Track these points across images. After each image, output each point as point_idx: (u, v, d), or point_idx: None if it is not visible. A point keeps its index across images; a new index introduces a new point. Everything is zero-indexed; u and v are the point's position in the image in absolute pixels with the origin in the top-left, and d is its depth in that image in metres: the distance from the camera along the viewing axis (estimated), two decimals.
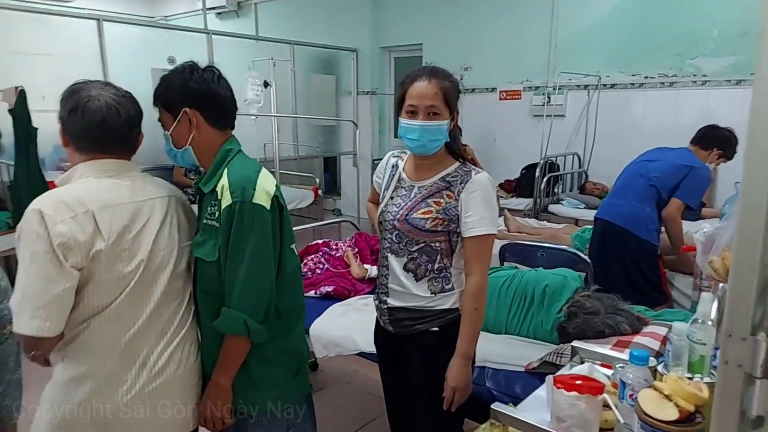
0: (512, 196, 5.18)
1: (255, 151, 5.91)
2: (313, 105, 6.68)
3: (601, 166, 5.20)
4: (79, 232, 1.17)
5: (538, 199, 4.86)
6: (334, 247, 2.76)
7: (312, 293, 2.44)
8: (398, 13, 6.57)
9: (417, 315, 1.53)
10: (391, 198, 1.58)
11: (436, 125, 1.44)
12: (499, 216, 4.25)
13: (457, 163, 1.52)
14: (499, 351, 1.93)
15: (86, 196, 1.22)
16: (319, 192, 5.85)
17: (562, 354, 1.63)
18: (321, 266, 2.59)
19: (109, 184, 1.27)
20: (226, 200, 1.26)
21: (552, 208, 4.88)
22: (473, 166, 1.52)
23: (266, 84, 3.20)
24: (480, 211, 1.44)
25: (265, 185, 1.30)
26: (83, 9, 5.37)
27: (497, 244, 3.21)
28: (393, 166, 1.64)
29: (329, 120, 6.89)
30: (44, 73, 4.36)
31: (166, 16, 8.74)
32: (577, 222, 4.67)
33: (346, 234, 3.12)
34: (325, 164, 7.33)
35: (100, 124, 1.26)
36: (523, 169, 5.30)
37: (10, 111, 3.42)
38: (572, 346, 1.58)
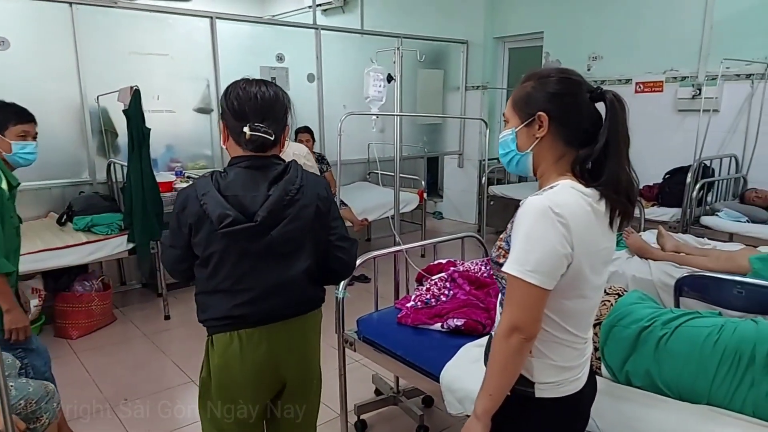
0: (653, 205, 4.44)
1: (358, 152, 5.67)
2: (420, 101, 6.31)
3: (765, 170, 4.39)
4: None
5: (688, 210, 4.11)
6: (461, 269, 2.34)
7: (438, 326, 2.05)
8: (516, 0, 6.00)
9: None
10: None
11: (502, 136, 1.25)
12: (645, 230, 3.60)
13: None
14: (698, 429, 1.43)
15: None
16: (425, 196, 5.47)
17: None
18: (446, 292, 2.18)
19: None
20: None
21: (705, 220, 4.11)
22: (551, 189, 1.11)
23: (390, 78, 2.85)
24: (515, 243, 1.10)
25: None
26: (197, 10, 5.43)
27: (661, 271, 2.65)
28: None
29: (437, 117, 6.50)
30: (160, 72, 4.39)
31: (274, 15, 8.80)
32: (731, 237, 3.91)
33: (470, 254, 2.68)
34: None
35: None
36: (666, 174, 4.54)
37: (125, 111, 3.37)
38: None
